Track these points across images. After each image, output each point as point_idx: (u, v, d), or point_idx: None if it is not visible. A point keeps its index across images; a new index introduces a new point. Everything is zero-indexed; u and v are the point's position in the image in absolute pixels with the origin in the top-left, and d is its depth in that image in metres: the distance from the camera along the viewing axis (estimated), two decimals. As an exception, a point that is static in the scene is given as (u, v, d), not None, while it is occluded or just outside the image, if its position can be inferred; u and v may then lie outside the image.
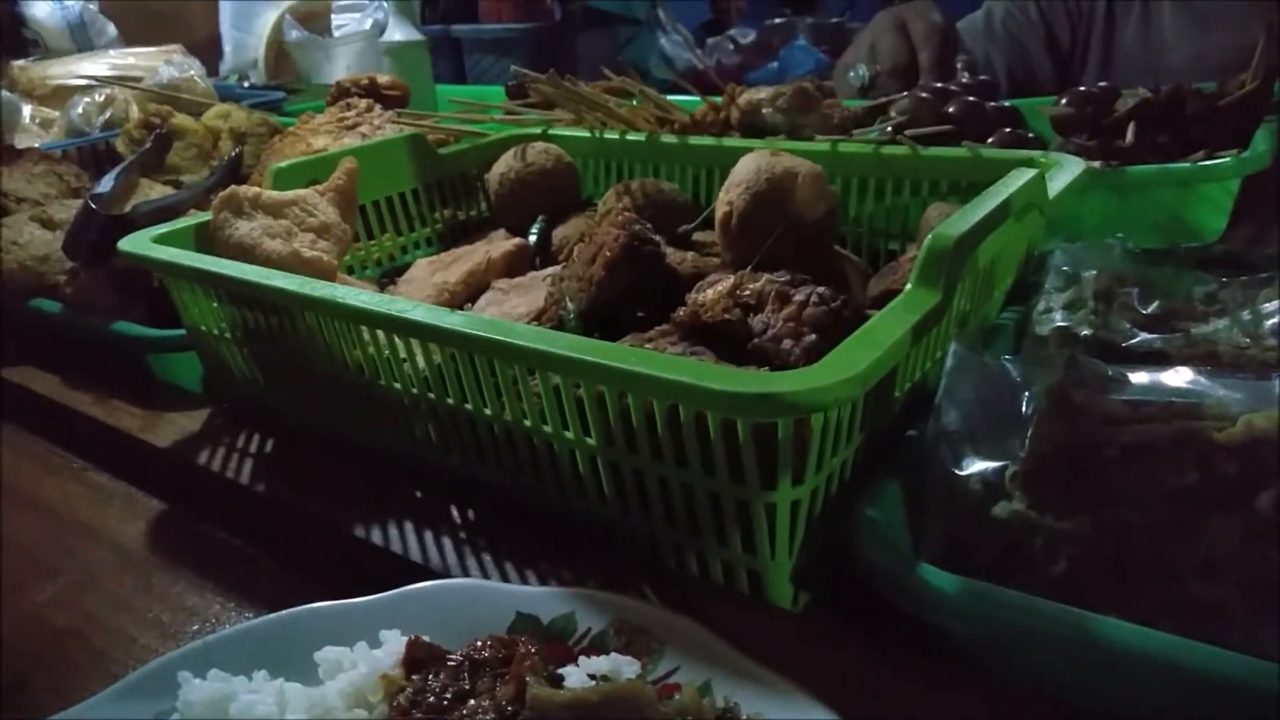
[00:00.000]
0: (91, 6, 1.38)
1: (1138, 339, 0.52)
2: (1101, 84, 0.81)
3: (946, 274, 0.44)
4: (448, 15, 1.40)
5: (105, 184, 0.79)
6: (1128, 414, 0.44)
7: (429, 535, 0.50)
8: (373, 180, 0.77)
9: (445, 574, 0.47)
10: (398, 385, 0.53)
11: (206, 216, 0.65)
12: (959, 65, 1.17)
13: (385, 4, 1.51)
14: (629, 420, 0.42)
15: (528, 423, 0.47)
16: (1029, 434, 0.44)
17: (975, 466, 0.45)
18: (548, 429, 0.46)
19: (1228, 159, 0.61)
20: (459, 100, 0.90)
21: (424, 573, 0.48)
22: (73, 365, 0.75)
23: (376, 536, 0.50)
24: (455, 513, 0.52)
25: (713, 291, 0.48)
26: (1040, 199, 0.54)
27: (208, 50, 1.54)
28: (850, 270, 0.66)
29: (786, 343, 0.44)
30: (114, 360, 0.72)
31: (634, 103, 1.11)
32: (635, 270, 0.58)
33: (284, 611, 0.40)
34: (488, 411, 0.49)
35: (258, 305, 0.57)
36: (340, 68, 1.50)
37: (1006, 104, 0.89)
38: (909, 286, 0.44)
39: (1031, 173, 0.53)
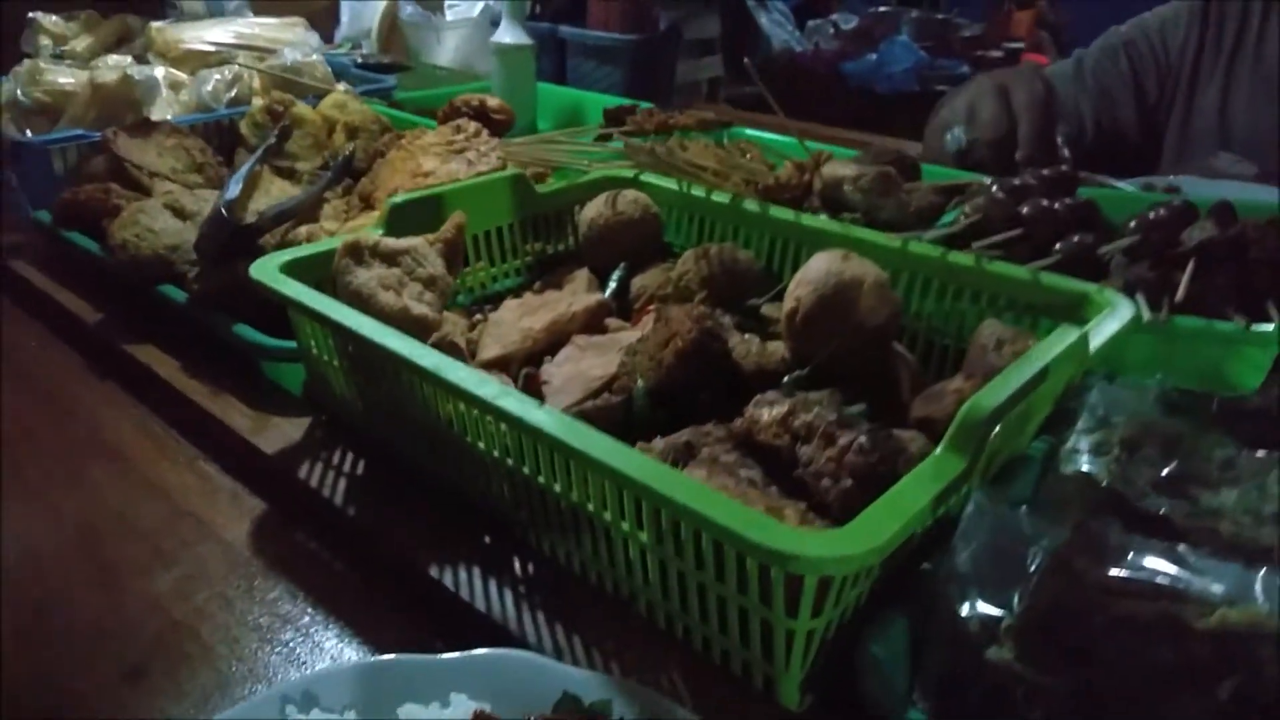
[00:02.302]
0: (224, -28, 1.46)
1: (1149, 500, 0.57)
2: (1178, 203, 0.84)
3: (976, 442, 0.49)
4: (557, 15, 1.45)
5: (233, 188, 0.87)
6: (1121, 587, 0.49)
7: (493, 585, 0.58)
8: (475, 215, 0.84)
9: (504, 625, 0.55)
10: (481, 445, 0.60)
11: (330, 244, 0.72)
12: (1059, 140, 1.17)
13: (498, -9, 1.57)
14: (679, 529, 0.49)
15: (591, 506, 0.54)
16: (1029, 589, 0.50)
17: (978, 608, 0.50)
18: (607, 516, 0.53)
19: (1271, 328, 0.65)
20: (556, 138, 0.96)
21: (485, 621, 0.55)
22: (191, 352, 0.83)
23: (448, 579, 0.58)
24: (518, 565, 0.59)
25: (768, 415, 0.54)
26: (1082, 356, 0.59)
27: (325, 18, 1.61)
28: (903, 372, 0.71)
29: (826, 482, 0.50)
30: (229, 354, 0.81)
31: (724, 137, 1.17)
32: (702, 363, 0.64)
33: (372, 660, 0.48)
34: (556, 487, 0.56)
35: (367, 351, 0.64)
36: (448, 49, 1.56)
37: (1082, 199, 0.92)
38: (938, 451, 0.49)
39: (1075, 335, 0.57)
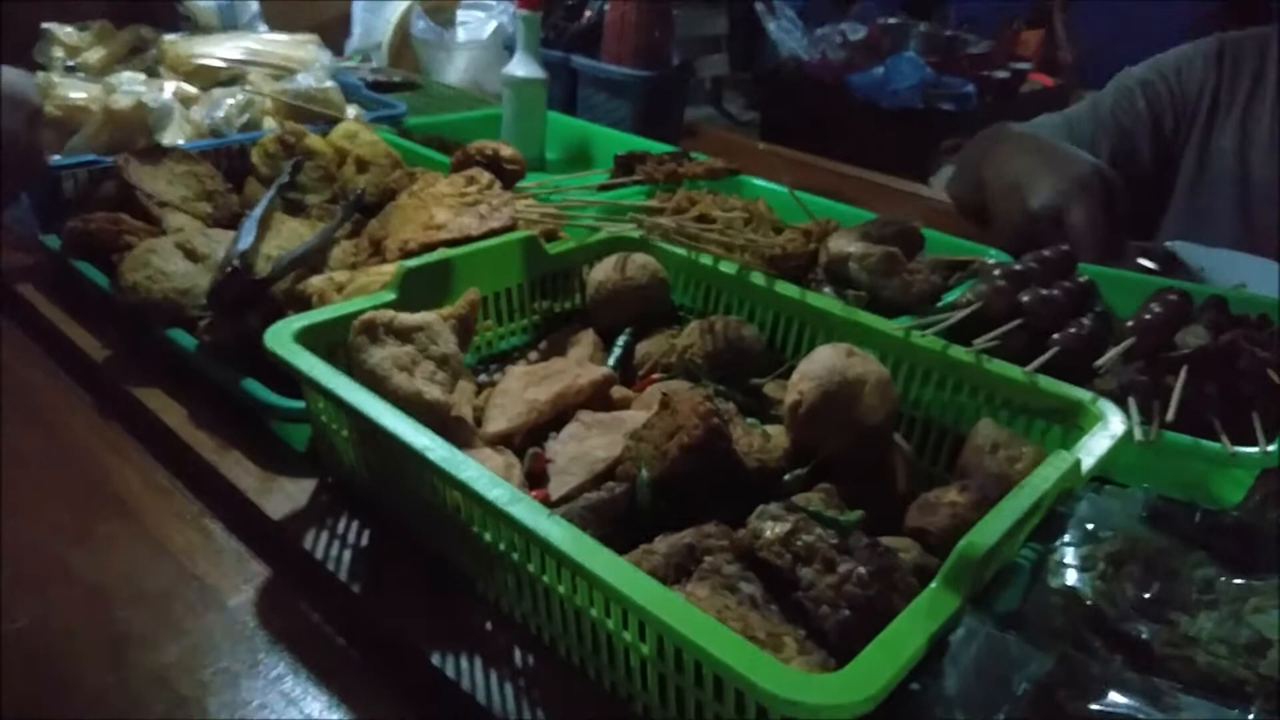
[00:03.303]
0: (239, -13, 1.45)
1: (1131, 623, 0.59)
2: (1171, 296, 0.86)
3: (971, 579, 0.51)
4: (571, 44, 1.45)
5: (246, 238, 0.88)
6: (1099, 722, 0.51)
7: (494, 676, 0.59)
8: (486, 277, 0.85)
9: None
10: (488, 536, 0.61)
11: (344, 309, 0.74)
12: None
13: (510, 11, 1.57)
14: (681, 650, 0.51)
15: (594, 612, 0.56)
16: (1014, 716, 0.52)
17: (963, 732, 0.53)
18: (610, 624, 0.55)
19: (1255, 451, 0.67)
20: (566, 189, 0.97)
21: (486, 714, 0.57)
22: (199, 398, 0.84)
23: (450, 668, 0.60)
24: (519, 655, 0.61)
25: (770, 531, 0.56)
26: (1074, 478, 0.60)
27: (338, 29, 1.61)
28: (900, 465, 0.73)
29: (824, 609, 0.52)
30: (238, 403, 0.82)
31: (734, 189, 1.17)
32: (707, 459, 0.65)
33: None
34: (561, 589, 0.57)
35: (379, 434, 0.65)
36: (459, 68, 1.57)
37: (1082, 280, 0.94)
38: (934, 585, 0.51)
39: (1069, 463, 0.59)
